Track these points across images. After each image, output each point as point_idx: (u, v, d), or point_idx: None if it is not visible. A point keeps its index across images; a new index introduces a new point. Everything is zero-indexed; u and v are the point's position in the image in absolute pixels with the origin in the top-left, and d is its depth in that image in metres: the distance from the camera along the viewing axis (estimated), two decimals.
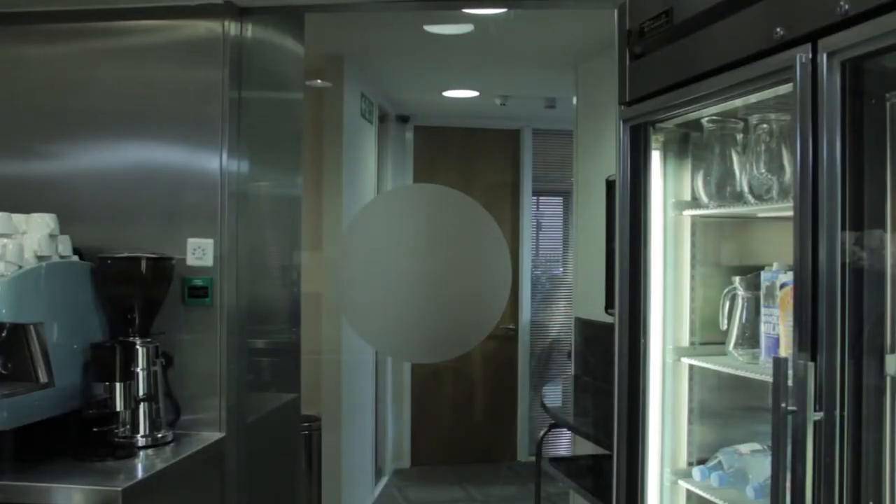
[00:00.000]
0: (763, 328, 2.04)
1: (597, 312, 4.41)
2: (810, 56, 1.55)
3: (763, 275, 2.06)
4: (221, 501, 2.63)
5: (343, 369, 4.86)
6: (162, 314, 2.57)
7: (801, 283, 1.57)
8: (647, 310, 2.25)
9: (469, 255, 3.37)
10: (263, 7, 2.79)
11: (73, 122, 2.72)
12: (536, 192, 6.90)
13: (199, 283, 2.64)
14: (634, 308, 2.25)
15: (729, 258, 2.42)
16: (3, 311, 2.17)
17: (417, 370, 6.61)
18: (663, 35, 2.05)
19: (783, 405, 1.55)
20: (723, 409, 2.39)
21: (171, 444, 2.48)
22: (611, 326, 2.41)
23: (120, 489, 2.05)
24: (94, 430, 2.36)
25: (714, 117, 2.15)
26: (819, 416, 1.51)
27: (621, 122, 2.23)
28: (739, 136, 2.18)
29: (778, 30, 1.63)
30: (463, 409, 6.76)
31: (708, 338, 2.32)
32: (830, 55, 1.51)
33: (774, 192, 1.99)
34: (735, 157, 2.17)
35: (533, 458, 5.20)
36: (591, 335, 4.64)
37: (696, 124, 2.22)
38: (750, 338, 2.14)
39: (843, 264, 1.50)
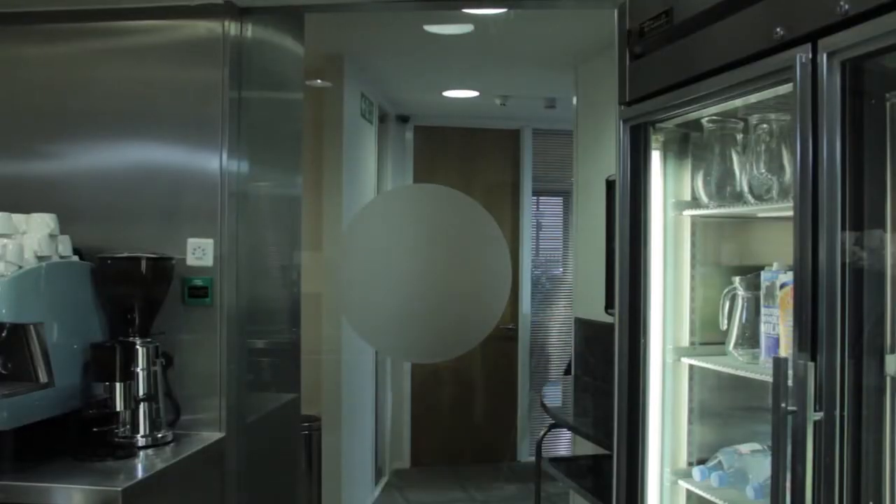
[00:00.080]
0: (763, 328, 2.04)
1: (597, 312, 4.41)
2: (810, 56, 1.55)
3: (763, 275, 2.06)
4: (221, 501, 2.63)
5: (343, 369, 4.86)
6: (162, 314, 2.57)
7: (801, 283, 1.57)
8: (647, 310, 2.25)
9: (469, 255, 3.37)
10: (263, 7, 2.79)
11: (73, 122, 2.72)
12: (536, 192, 6.90)
13: (199, 283, 2.64)
14: (634, 308, 2.24)
15: (729, 258, 2.42)
16: (3, 311, 2.17)
17: (417, 370, 6.61)
18: (663, 35, 2.05)
19: (783, 405, 1.55)
20: (723, 409, 2.39)
21: (171, 444, 2.48)
22: (611, 326, 2.41)
23: (120, 489, 2.05)
24: (94, 430, 2.36)
25: (714, 117, 2.15)
26: (819, 416, 1.51)
27: (621, 122, 2.23)
28: (739, 136, 2.18)
29: (778, 30, 1.64)
30: (463, 409, 6.76)
31: (708, 338, 2.32)
32: (830, 55, 1.51)
33: (774, 192, 1.99)
34: (735, 157, 2.17)
35: (533, 458, 5.20)
36: (591, 335, 4.64)
37: (696, 124, 2.22)
38: (750, 338, 2.14)
39: (843, 264, 1.50)
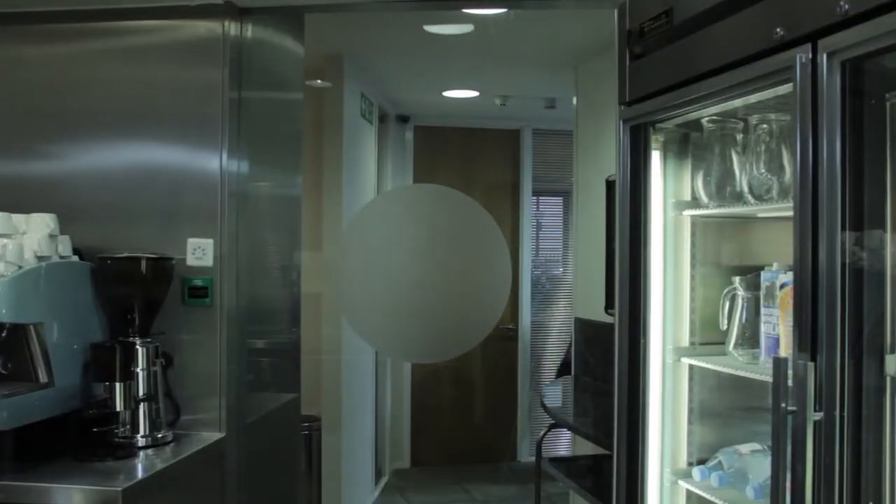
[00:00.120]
0: (763, 328, 2.04)
1: (597, 312, 4.41)
2: (810, 56, 1.55)
3: (763, 275, 2.06)
4: (221, 501, 2.63)
5: (343, 369, 4.86)
6: (162, 314, 2.57)
7: (801, 283, 1.57)
8: (647, 310, 2.25)
9: (469, 255, 3.37)
10: (263, 7, 2.79)
11: (73, 122, 2.72)
12: (536, 192, 6.90)
13: (199, 283, 2.64)
14: (634, 308, 2.24)
15: (729, 258, 2.42)
16: (3, 311, 2.17)
17: (417, 370, 6.61)
18: (663, 35, 2.05)
19: (783, 405, 1.55)
20: (723, 409, 2.39)
21: (171, 444, 2.48)
22: (611, 326, 2.41)
23: (120, 489, 2.05)
24: (94, 430, 2.36)
25: (714, 117, 2.15)
26: (819, 416, 1.51)
27: (621, 122, 2.23)
28: (739, 136, 2.18)
29: (778, 30, 1.64)
30: (463, 409, 6.76)
31: (708, 338, 2.32)
32: (830, 55, 1.51)
33: (774, 192, 1.99)
34: (735, 157, 2.17)
35: (533, 458, 5.20)
36: (591, 335, 4.64)
37: (696, 124, 2.22)
38: (750, 338, 2.14)
39: (843, 264, 1.50)
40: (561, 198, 6.97)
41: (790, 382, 1.55)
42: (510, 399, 6.80)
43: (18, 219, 2.37)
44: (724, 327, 2.21)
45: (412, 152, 6.63)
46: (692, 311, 2.35)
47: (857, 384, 1.52)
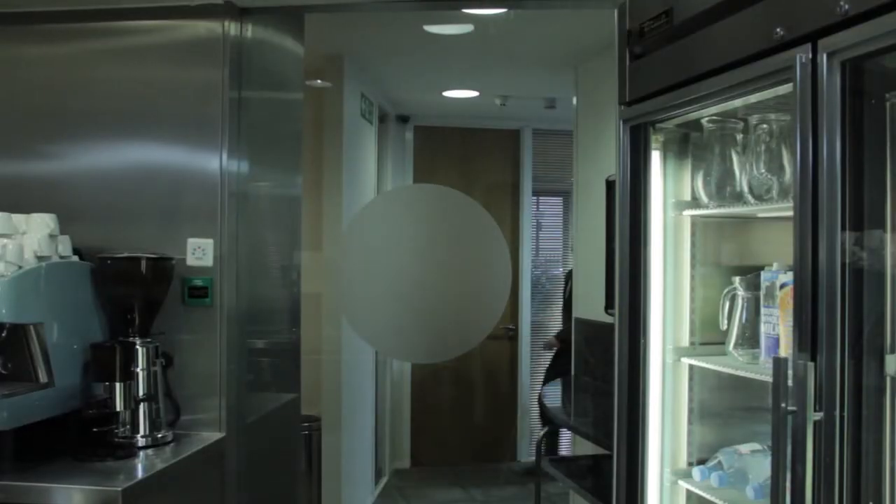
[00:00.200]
0: (763, 328, 2.04)
1: (597, 312, 4.41)
2: (810, 56, 1.55)
3: (763, 275, 2.06)
4: (221, 501, 2.63)
5: (343, 369, 4.86)
6: (162, 314, 2.57)
7: (801, 283, 1.57)
8: (647, 310, 2.25)
9: (469, 255, 3.37)
10: (263, 7, 2.79)
11: (73, 122, 2.72)
12: (536, 192, 6.90)
13: (199, 283, 2.64)
14: (634, 308, 2.24)
15: (729, 258, 2.42)
16: (3, 311, 2.17)
17: (417, 370, 6.61)
18: (663, 35, 2.04)
19: (783, 405, 1.55)
20: (723, 409, 2.39)
21: (171, 444, 2.48)
22: (611, 326, 2.41)
23: (120, 489, 2.05)
24: (94, 430, 2.36)
25: (714, 117, 2.15)
26: (819, 416, 1.51)
27: (621, 122, 2.23)
28: (739, 136, 2.18)
29: (778, 30, 1.64)
30: (463, 409, 6.76)
31: (708, 338, 2.32)
32: (830, 55, 1.51)
33: (774, 192, 1.99)
34: (735, 157, 2.17)
35: (533, 458, 5.20)
36: (591, 335, 4.64)
37: (696, 124, 2.22)
38: (750, 338, 2.14)
39: (843, 264, 1.50)
40: (561, 198, 6.98)
41: (790, 382, 1.55)
42: (510, 399, 6.80)
43: (18, 219, 2.37)
44: (724, 327, 2.21)
45: (412, 152, 6.63)
46: (692, 311, 2.35)
47: (857, 384, 1.52)
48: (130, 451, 2.37)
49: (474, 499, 6.14)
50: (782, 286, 1.95)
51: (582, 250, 4.98)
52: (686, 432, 2.35)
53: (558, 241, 7.03)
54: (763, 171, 2.02)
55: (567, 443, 6.00)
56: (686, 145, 2.32)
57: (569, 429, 4.61)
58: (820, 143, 1.53)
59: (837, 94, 1.50)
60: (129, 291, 2.51)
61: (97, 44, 2.74)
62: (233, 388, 2.66)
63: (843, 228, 1.50)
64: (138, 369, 2.45)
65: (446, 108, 6.30)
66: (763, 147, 2.03)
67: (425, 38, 4.38)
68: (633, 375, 2.24)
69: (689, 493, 2.29)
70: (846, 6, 1.46)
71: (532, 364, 6.80)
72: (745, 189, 2.07)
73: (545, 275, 6.98)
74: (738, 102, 1.91)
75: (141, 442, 2.43)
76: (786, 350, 1.89)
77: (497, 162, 6.81)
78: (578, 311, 4.90)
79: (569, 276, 6.25)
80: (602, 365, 4.37)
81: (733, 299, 2.19)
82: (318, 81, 4.80)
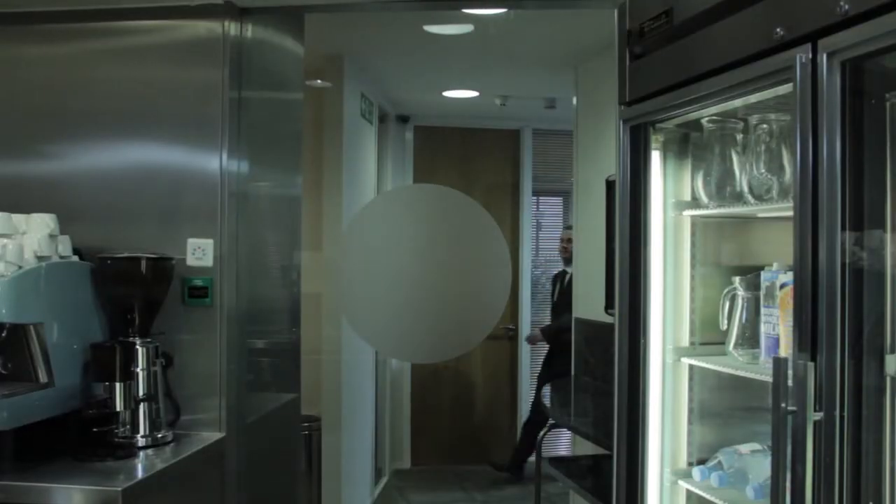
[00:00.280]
0: (763, 328, 2.04)
1: (597, 312, 4.41)
2: (810, 56, 1.55)
3: (763, 275, 2.06)
4: (221, 501, 2.63)
5: (343, 369, 4.86)
6: (162, 314, 2.57)
7: (801, 283, 1.57)
8: (647, 310, 2.25)
9: (469, 255, 3.37)
10: (263, 7, 2.79)
11: (73, 122, 2.72)
12: (536, 192, 6.90)
13: (199, 283, 2.64)
14: (634, 308, 2.24)
15: (729, 258, 2.42)
16: (3, 311, 2.17)
17: (417, 370, 6.61)
18: (663, 35, 2.04)
19: (783, 405, 1.55)
20: (723, 409, 2.39)
21: (171, 444, 2.48)
22: (611, 326, 2.41)
23: (120, 489, 2.05)
24: (94, 430, 2.36)
25: (714, 117, 2.15)
26: (819, 416, 1.51)
27: (621, 122, 2.23)
28: (739, 136, 2.18)
29: (778, 30, 1.64)
30: (463, 409, 6.76)
31: (708, 338, 2.32)
32: (830, 55, 1.51)
33: (774, 192, 1.99)
34: (735, 157, 2.17)
35: (533, 459, 5.20)
36: (591, 335, 4.64)
37: (696, 124, 2.22)
38: (750, 338, 2.14)
39: (843, 264, 1.50)
40: (561, 198, 6.98)
41: (790, 382, 1.55)
42: (510, 399, 6.80)
43: (18, 219, 2.37)
44: (724, 327, 2.21)
45: (412, 152, 6.63)
46: (692, 311, 2.35)
47: (857, 384, 1.52)
48: (130, 451, 2.37)
49: (474, 499, 6.14)
50: (782, 286, 1.95)
51: (582, 250, 4.98)
52: (686, 432, 2.35)
53: (558, 241, 7.03)
54: (763, 171, 2.02)
55: (567, 442, 6.00)
56: (686, 145, 2.32)
57: (569, 429, 4.60)
58: (820, 143, 1.53)
59: (837, 94, 1.50)
60: (129, 291, 2.51)
61: (97, 44, 2.74)
62: (233, 388, 2.66)
63: (843, 228, 1.50)
64: (138, 369, 2.45)
65: (446, 108, 6.30)
66: (763, 147, 2.03)
67: (425, 38, 4.38)
68: (633, 375, 2.24)
69: (689, 493, 2.29)
70: (846, 6, 1.46)
71: (532, 364, 6.80)
72: (745, 189, 2.07)
73: (545, 275, 6.98)
74: (738, 102, 1.91)
75: (141, 442, 2.43)
76: (786, 350, 1.89)
77: (497, 162, 6.81)
78: (578, 311, 4.90)
79: (556, 279, 6.26)
80: (602, 365, 4.37)
81: (733, 299, 2.19)
82: (318, 81, 4.80)
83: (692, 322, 2.35)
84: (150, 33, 2.72)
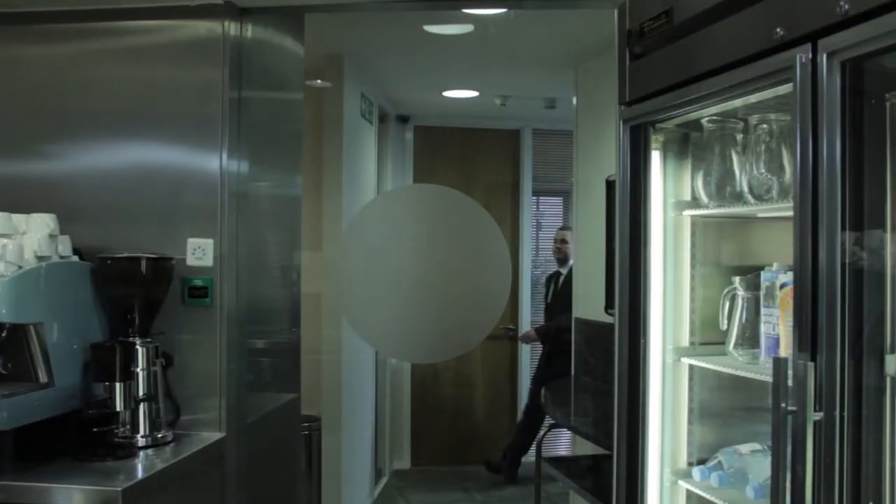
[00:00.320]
0: (763, 328, 2.04)
1: (597, 312, 4.40)
2: (810, 56, 1.55)
3: (763, 275, 2.06)
4: (221, 501, 2.63)
5: (343, 369, 4.86)
6: (162, 314, 2.57)
7: (801, 283, 1.57)
8: (647, 310, 2.25)
9: (469, 255, 3.37)
10: (263, 7, 2.79)
11: (73, 122, 2.72)
12: (536, 192, 6.90)
13: (199, 283, 2.64)
14: (634, 308, 2.24)
15: (729, 258, 2.42)
16: (3, 311, 2.17)
17: (417, 370, 6.61)
18: (663, 35, 2.05)
19: (783, 405, 1.55)
20: (723, 409, 2.39)
21: (171, 444, 2.48)
22: (611, 326, 2.41)
23: (120, 489, 2.05)
24: (94, 430, 2.36)
25: (714, 117, 2.15)
26: (819, 416, 1.51)
27: (621, 122, 2.23)
28: (739, 136, 2.18)
29: (778, 30, 1.64)
30: (463, 409, 6.76)
31: (708, 338, 2.32)
32: (830, 55, 1.51)
33: (774, 192, 1.99)
34: (735, 157, 2.17)
35: (533, 458, 5.20)
36: (591, 335, 4.64)
37: (696, 124, 2.22)
38: (750, 338, 2.14)
39: (843, 264, 1.50)
40: (561, 198, 6.98)
41: (790, 382, 1.55)
42: (510, 399, 6.80)
43: (18, 219, 2.37)
44: (724, 327, 2.21)
45: (412, 152, 6.63)
46: (692, 311, 2.35)
47: (857, 384, 1.52)
48: (130, 451, 2.37)
49: (474, 499, 6.14)
50: (782, 286, 1.95)
51: (582, 250, 4.98)
52: (686, 432, 2.36)
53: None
54: (763, 171, 2.02)
55: (567, 442, 6.00)
56: (686, 145, 2.32)
57: (569, 429, 4.60)
58: (820, 143, 1.53)
59: (837, 94, 1.50)
60: (129, 291, 2.51)
61: (97, 44, 2.74)
62: (233, 388, 2.66)
63: (843, 228, 1.50)
64: (138, 369, 2.45)
65: (446, 108, 6.30)
66: (763, 147, 2.03)
67: (425, 38, 4.38)
68: (633, 375, 2.24)
69: (689, 493, 2.29)
70: (846, 6, 1.46)
71: (532, 364, 6.80)
72: (745, 189, 2.07)
73: (545, 275, 6.98)
74: (738, 102, 1.91)
75: (141, 442, 2.43)
76: (786, 350, 1.89)
77: (497, 162, 6.81)
78: (578, 311, 4.90)
79: (549, 280, 6.26)
80: (602, 365, 4.37)
81: (733, 299, 2.19)
82: (318, 81, 4.80)
83: (692, 322, 2.35)
84: (150, 33, 2.72)
